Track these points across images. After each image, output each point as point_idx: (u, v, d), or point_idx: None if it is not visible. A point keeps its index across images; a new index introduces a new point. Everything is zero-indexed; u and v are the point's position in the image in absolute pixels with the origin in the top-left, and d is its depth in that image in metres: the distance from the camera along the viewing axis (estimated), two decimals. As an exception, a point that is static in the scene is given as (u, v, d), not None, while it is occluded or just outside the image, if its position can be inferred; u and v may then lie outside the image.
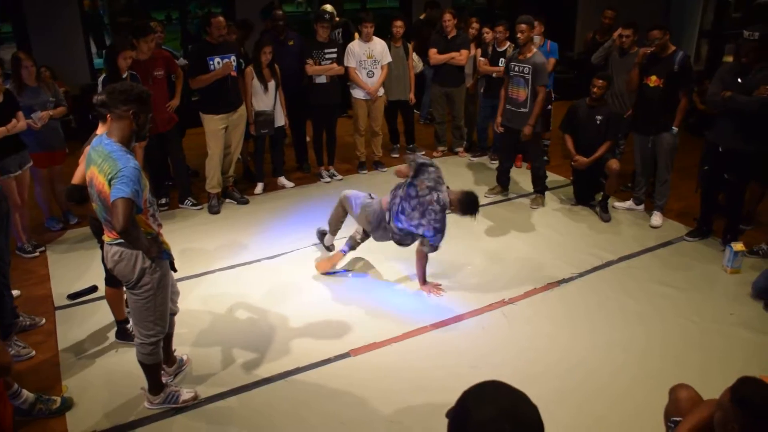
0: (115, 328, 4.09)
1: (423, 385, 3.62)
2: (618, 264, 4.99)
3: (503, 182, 6.46)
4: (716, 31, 10.01)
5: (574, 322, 4.23)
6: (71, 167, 6.28)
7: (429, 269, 4.72)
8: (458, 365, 3.78)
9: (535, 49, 5.90)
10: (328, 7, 7.83)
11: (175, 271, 3.39)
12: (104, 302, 4.44)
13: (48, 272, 4.97)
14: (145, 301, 3.15)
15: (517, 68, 5.86)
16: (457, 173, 7.08)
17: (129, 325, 4.00)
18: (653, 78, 5.39)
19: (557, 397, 3.49)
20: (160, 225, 3.23)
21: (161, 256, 3.15)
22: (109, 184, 2.83)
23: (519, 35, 5.74)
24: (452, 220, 5.47)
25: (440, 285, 4.68)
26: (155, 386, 3.41)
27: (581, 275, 4.81)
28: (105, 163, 2.87)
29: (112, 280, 3.78)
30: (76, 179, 3.47)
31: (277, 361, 3.85)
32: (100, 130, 3.45)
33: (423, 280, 4.66)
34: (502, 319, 4.26)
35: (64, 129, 5.75)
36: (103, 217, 3.06)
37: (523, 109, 5.90)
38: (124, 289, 3.32)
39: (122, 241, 2.99)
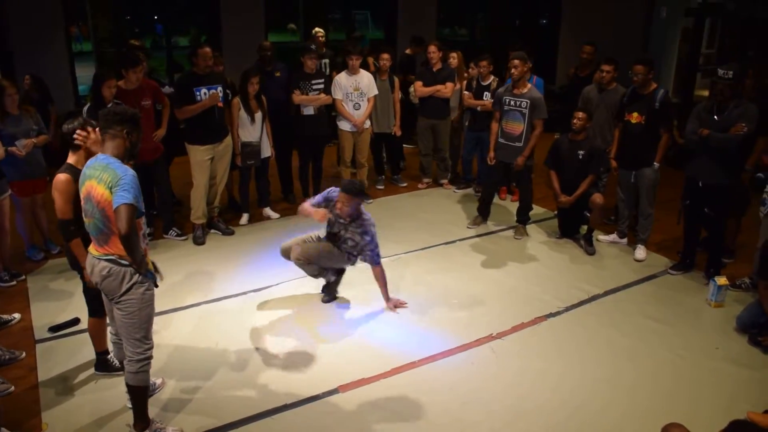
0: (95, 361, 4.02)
1: (413, 422, 3.59)
2: (604, 298, 5.02)
3: (484, 213, 6.51)
4: (689, 66, 10.27)
5: (563, 357, 4.23)
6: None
7: (416, 299, 4.77)
8: (448, 401, 3.76)
9: (529, 84, 5.99)
10: (319, 31, 7.91)
11: (156, 286, 3.40)
12: (87, 335, 4.36)
13: (28, 303, 4.87)
14: (130, 315, 3.21)
15: (513, 102, 5.92)
16: (442, 204, 7.12)
17: (110, 356, 3.96)
18: (635, 115, 5.50)
19: (548, 434, 3.48)
20: (147, 244, 3.33)
21: (147, 275, 3.23)
22: (111, 192, 3.00)
23: (513, 70, 5.79)
24: (438, 253, 5.49)
25: (404, 302, 4.86)
26: (141, 418, 3.36)
27: (568, 309, 4.83)
28: (104, 173, 3.04)
29: (95, 310, 3.76)
30: (62, 213, 3.43)
31: (264, 397, 3.78)
32: (71, 159, 3.55)
33: (386, 298, 4.83)
34: (490, 354, 4.25)
35: (46, 156, 5.68)
36: (98, 229, 3.13)
37: (517, 143, 5.95)
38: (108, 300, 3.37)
39: (112, 257, 3.13)
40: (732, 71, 4.75)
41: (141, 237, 3.19)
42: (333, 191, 4.68)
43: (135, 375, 3.28)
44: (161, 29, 11.31)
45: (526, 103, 5.84)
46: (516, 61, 5.76)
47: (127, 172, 3.04)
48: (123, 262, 3.13)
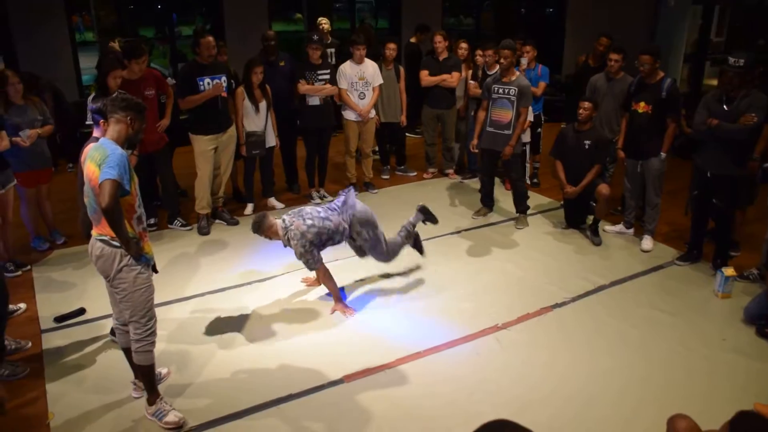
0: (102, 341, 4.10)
1: (418, 413, 3.57)
2: (610, 288, 4.99)
3: (488, 204, 6.48)
4: (698, 55, 10.18)
5: (569, 348, 4.21)
6: (59, 185, 6.23)
7: (421, 290, 4.71)
8: (454, 392, 3.74)
9: (517, 72, 5.99)
10: (323, 20, 7.86)
11: (156, 272, 3.45)
12: (93, 325, 4.40)
13: (34, 294, 4.88)
14: (124, 298, 3.28)
15: (501, 90, 5.93)
16: (447, 195, 7.09)
17: None
18: (642, 104, 5.45)
19: (553, 425, 3.46)
20: (144, 229, 3.35)
21: (140, 258, 3.25)
22: (99, 169, 3.06)
23: (503, 61, 5.81)
24: (443, 243, 5.45)
25: (352, 310, 4.62)
26: (151, 391, 3.48)
27: (574, 300, 4.80)
28: (96, 153, 3.13)
29: None
30: None
31: (268, 387, 3.78)
32: (96, 133, 3.60)
33: (336, 299, 4.66)
34: (496, 345, 4.23)
35: (51, 146, 5.67)
36: (92, 208, 3.21)
37: (506, 131, 5.94)
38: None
39: (104, 237, 3.20)
40: (743, 59, 4.68)
41: (134, 220, 3.24)
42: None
43: (135, 353, 3.39)
44: (165, 19, 11.30)
45: (515, 90, 5.86)
46: (506, 52, 5.78)
47: (116, 151, 3.11)
48: (114, 243, 3.18)
